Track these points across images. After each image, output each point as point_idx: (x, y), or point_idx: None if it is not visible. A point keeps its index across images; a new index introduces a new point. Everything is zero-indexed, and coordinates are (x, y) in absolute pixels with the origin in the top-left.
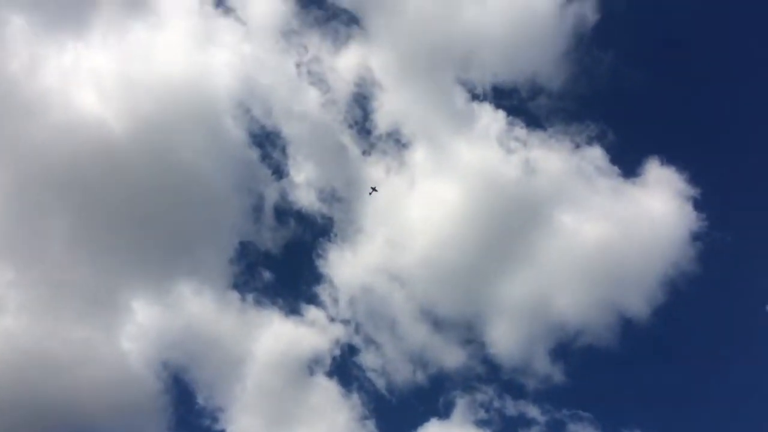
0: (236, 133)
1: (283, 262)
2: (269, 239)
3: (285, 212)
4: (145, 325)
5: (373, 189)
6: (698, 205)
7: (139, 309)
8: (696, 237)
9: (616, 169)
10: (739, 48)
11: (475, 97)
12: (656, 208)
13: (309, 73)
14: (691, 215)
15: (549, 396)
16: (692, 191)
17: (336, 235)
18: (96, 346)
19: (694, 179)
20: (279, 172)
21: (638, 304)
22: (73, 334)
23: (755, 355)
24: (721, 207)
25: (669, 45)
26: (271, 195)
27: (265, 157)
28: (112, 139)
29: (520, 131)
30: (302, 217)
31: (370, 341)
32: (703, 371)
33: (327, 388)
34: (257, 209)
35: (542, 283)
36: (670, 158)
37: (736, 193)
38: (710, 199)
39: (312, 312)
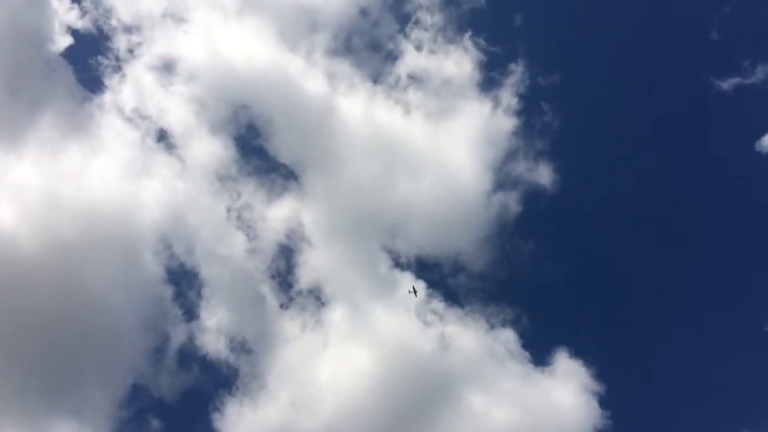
0: (153, 268)
1: (177, 411)
2: (166, 384)
3: (189, 357)
4: None
5: (414, 290)
6: (603, 402)
7: None
8: None
9: (527, 354)
10: (650, 251)
11: (398, 265)
12: (563, 400)
13: (239, 218)
14: (596, 411)
15: None
16: (598, 387)
17: (238, 389)
18: None
19: (601, 375)
20: (190, 314)
21: None
22: None
23: None
24: (625, 407)
25: (587, 243)
26: (177, 337)
27: (178, 296)
28: (20, 257)
29: (438, 305)
30: (206, 365)
31: None
32: None
33: None
34: (160, 350)
35: None
36: (578, 351)
37: (640, 395)
38: (615, 397)
39: None
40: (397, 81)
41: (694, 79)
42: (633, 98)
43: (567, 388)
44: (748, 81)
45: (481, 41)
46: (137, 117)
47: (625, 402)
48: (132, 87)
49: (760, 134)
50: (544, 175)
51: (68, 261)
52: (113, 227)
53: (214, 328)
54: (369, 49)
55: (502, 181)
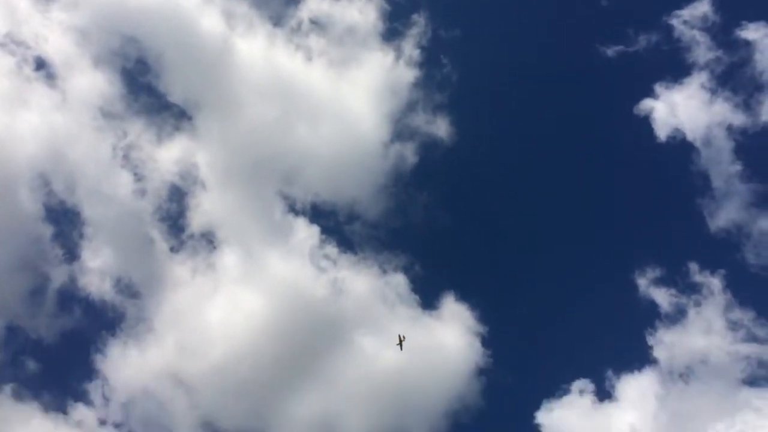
0: (30, 205)
1: (56, 352)
2: (44, 326)
3: (70, 298)
4: None
5: (402, 338)
6: (486, 342)
7: None
8: (481, 372)
9: (416, 299)
10: (535, 204)
11: (293, 211)
12: (449, 341)
13: (125, 157)
14: (479, 350)
15: None
16: (481, 329)
17: (123, 331)
18: None
19: (484, 318)
20: (71, 255)
21: None
22: None
23: None
24: (504, 346)
25: (477, 196)
26: (57, 277)
27: (58, 235)
28: None
29: (332, 250)
30: (89, 306)
31: None
32: None
33: None
34: (37, 291)
35: (333, 404)
36: (464, 296)
37: (519, 336)
38: (496, 338)
39: (80, 411)
40: (299, 25)
41: (583, 44)
42: (527, 58)
43: (453, 330)
44: (630, 49)
45: None
46: (11, 42)
47: (504, 342)
48: (4, 10)
49: (639, 99)
50: (441, 127)
51: None
52: None
53: (97, 270)
54: None
55: (400, 132)
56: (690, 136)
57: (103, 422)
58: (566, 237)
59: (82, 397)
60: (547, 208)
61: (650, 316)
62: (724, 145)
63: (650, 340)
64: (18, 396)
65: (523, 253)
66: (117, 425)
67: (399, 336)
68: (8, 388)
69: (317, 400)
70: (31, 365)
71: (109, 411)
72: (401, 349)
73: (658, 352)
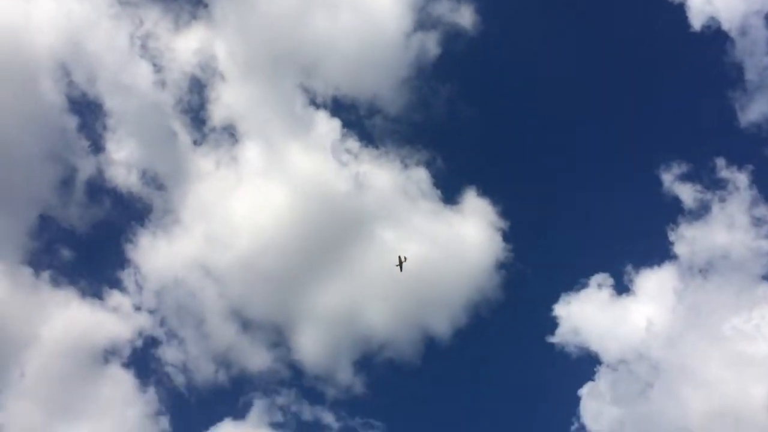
0: (53, 96)
1: (88, 241)
2: (75, 216)
3: (99, 189)
4: None
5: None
6: (506, 237)
7: None
8: (501, 266)
9: (438, 193)
10: (562, 98)
11: (314, 104)
12: (470, 235)
13: (143, 47)
14: (499, 245)
15: (345, 404)
16: (503, 224)
17: (151, 222)
18: None
19: (505, 212)
20: (97, 146)
21: (442, 324)
22: None
23: (537, 377)
24: (525, 241)
25: (501, 87)
26: (85, 169)
27: (83, 127)
28: None
29: (354, 144)
30: (117, 198)
31: (173, 335)
32: (494, 390)
33: (121, 380)
34: (67, 182)
35: (356, 296)
36: (486, 190)
37: (539, 231)
38: (517, 232)
39: (115, 297)
40: None
41: None
42: None
43: (474, 225)
44: None
45: None
46: None
47: (525, 236)
48: None
49: None
50: (465, 16)
51: None
52: (4, 51)
53: (123, 162)
54: None
55: (423, 22)
56: (725, 26)
57: (138, 308)
58: (592, 130)
59: (117, 285)
60: (573, 101)
61: (673, 211)
62: (761, 36)
63: (672, 236)
64: (55, 282)
65: (547, 148)
66: (151, 311)
67: (399, 257)
68: (46, 275)
69: (340, 291)
70: (66, 253)
71: (143, 298)
72: (401, 270)
73: (679, 248)
